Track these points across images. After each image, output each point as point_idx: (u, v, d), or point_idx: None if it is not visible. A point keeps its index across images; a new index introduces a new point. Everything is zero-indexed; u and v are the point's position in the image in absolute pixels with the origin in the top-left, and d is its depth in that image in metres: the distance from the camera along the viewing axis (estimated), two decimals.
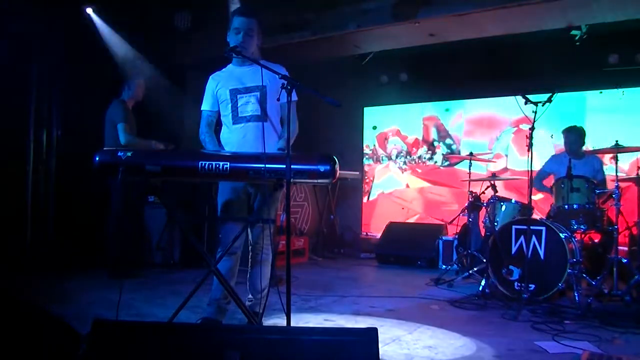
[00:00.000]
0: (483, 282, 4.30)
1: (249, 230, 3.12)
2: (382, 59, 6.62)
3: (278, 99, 2.97)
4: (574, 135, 5.17)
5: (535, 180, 5.18)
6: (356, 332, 1.92)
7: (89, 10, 5.34)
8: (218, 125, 3.19)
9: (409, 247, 6.35)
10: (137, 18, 5.54)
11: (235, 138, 3.04)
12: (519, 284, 4.02)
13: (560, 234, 4.01)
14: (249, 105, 3.02)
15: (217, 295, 3.02)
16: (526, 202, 4.12)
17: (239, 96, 3.04)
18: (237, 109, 3.04)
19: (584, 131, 5.21)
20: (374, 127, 7.98)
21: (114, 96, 4.99)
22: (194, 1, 5.75)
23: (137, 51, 5.65)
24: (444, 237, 6.14)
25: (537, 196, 5.75)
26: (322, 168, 2.52)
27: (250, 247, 3.16)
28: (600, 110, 6.35)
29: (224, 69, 3.16)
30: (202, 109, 3.15)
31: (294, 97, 2.72)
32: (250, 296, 3.18)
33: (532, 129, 3.88)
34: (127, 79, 5.11)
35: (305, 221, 7.28)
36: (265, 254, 3.13)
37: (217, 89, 3.09)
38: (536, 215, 5.05)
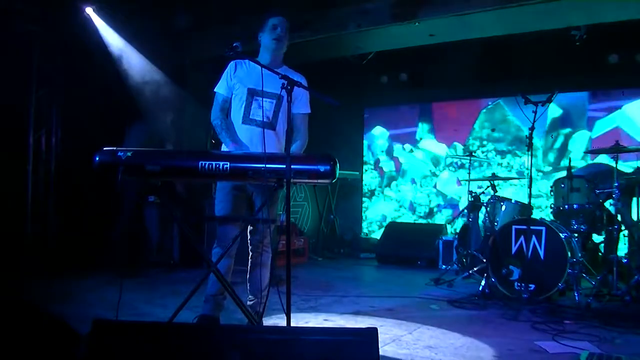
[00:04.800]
0: (483, 282, 4.30)
1: (248, 230, 3.11)
2: (382, 59, 6.61)
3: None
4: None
5: None
6: (356, 332, 1.92)
7: (89, 10, 5.34)
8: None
9: (409, 247, 6.34)
10: (138, 18, 5.53)
11: (241, 138, 3.02)
12: (519, 284, 4.02)
13: (560, 234, 4.01)
14: (262, 110, 3.01)
15: (213, 291, 3.01)
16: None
17: (255, 97, 3.02)
18: (250, 110, 3.02)
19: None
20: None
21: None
22: (194, 1, 5.75)
23: (137, 51, 5.64)
24: (444, 237, 6.13)
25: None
26: (322, 168, 2.52)
27: (250, 248, 3.15)
28: (600, 110, 6.34)
29: (247, 60, 3.00)
30: (216, 90, 3.08)
31: (307, 110, 3.06)
32: (251, 296, 3.17)
33: (531, 129, 3.89)
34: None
35: (305, 221, 7.28)
36: (265, 254, 3.13)
37: (234, 80, 3.04)
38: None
